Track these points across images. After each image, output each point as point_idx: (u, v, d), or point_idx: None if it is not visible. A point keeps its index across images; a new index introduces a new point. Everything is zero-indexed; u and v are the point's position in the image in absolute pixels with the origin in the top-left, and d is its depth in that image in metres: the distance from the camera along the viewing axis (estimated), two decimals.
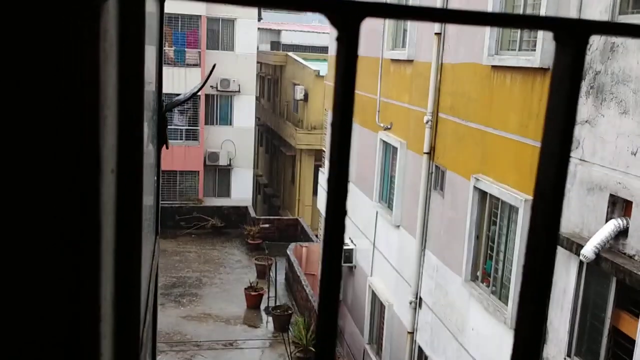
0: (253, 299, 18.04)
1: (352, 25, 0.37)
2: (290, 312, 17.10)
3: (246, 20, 26.84)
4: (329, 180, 0.41)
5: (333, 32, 0.38)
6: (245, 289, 18.25)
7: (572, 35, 0.45)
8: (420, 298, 11.15)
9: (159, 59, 1.83)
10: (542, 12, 7.48)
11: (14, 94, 0.49)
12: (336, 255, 0.41)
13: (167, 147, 1.82)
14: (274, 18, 46.05)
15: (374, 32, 13.63)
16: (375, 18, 0.39)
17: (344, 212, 0.42)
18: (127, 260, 0.80)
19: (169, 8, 24.43)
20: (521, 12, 8.25)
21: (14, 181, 0.51)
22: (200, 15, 25.81)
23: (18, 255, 0.53)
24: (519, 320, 0.49)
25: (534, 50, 7.75)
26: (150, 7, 1.44)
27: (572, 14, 6.92)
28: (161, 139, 1.75)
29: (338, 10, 0.37)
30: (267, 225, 23.46)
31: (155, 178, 1.78)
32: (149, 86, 1.53)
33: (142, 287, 1.14)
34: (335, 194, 0.40)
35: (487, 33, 8.75)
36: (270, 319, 17.23)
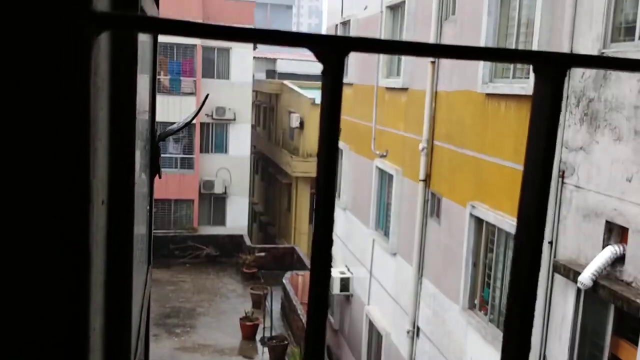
0: (248, 330, 17.84)
1: (336, 59, 0.37)
2: (286, 342, 16.90)
3: (242, 49, 27.08)
4: (316, 212, 0.40)
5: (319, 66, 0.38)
6: (241, 319, 18.06)
7: (551, 68, 0.46)
8: (418, 327, 11.05)
9: (152, 88, 1.83)
10: (535, 40, 7.56)
11: (6, 126, 0.49)
12: (323, 283, 0.40)
13: (159, 177, 1.80)
14: (270, 47, 46.53)
15: (369, 61, 13.76)
16: (359, 52, 0.39)
17: (330, 242, 0.41)
18: (118, 290, 0.78)
19: (164, 37, 24.66)
20: (514, 40, 8.35)
21: (2, 212, 0.51)
22: (195, 45, 26.04)
23: (5, 286, 0.53)
24: (505, 341, 0.48)
25: (528, 77, 7.83)
26: (144, 36, 1.44)
27: (565, 42, 7.00)
28: (154, 169, 1.73)
29: (323, 45, 0.37)
30: (262, 254, 23.33)
31: (148, 207, 1.76)
32: (142, 115, 1.52)
33: (134, 317, 1.11)
34: (321, 230, 0.39)
35: (481, 61, 8.84)
36: (266, 349, 17.01)
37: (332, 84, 0.39)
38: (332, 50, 0.38)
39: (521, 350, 0.47)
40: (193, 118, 2.71)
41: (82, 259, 0.53)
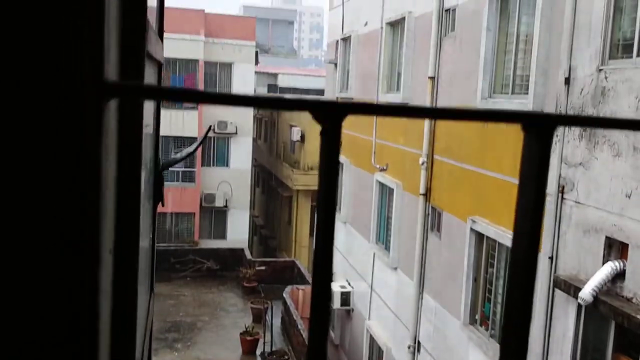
0: (249, 344, 17.76)
1: (334, 122, 0.40)
2: (286, 357, 16.82)
3: (243, 64, 27.23)
4: (314, 266, 0.42)
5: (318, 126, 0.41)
6: (241, 333, 17.99)
7: (539, 128, 0.48)
8: (419, 342, 11.01)
9: (157, 116, 1.86)
10: (534, 56, 7.61)
11: (22, 182, 0.52)
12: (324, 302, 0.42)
13: (162, 205, 1.83)
14: (271, 62, 46.78)
15: (369, 76, 13.84)
16: (356, 115, 0.42)
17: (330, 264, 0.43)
18: (121, 337, 0.80)
19: (167, 52, 24.78)
20: (513, 56, 8.40)
21: (18, 265, 0.53)
22: (197, 60, 26.18)
23: (9, 332, 0.54)
24: (502, 355, 0.50)
25: (527, 93, 7.87)
26: (149, 74, 1.47)
27: (563, 58, 7.05)
28: (157, 197, 1.76)
29: (322, 109, 0.40)
30: (263, 268, 23.29)
31: (151, 236, 1.78)
32: (147, 148, 1.55)
33: (137, 348, 1.13)
34: (318, 295, 0.41)
35: (480, 76, 8.89)
36: None
37: (330, 145, 0.41)
38: (330, 114, 0.41)
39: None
40: (196, 149, 2.74)
41: (91, 312, 0.55)
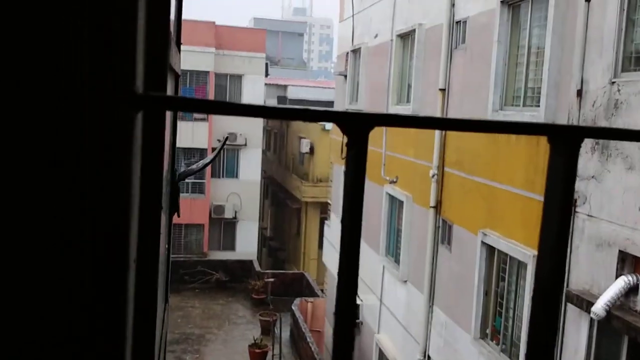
0: (257, 357, 17.68)
1: (360, 134, 0.39)
2: None
3: (253, 75, 27.36)
4: (338, 285, 0.41)
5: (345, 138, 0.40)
6: (249, 346, 17.92)
7: (566, 140, 0.47)
8: (429, 356, 10.91)
9: (174, 129, 1.86)
10: (545, 69, 7.58)
11: (54, 196, 0.53)
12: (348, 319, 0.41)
13: (178, 216, 1.82)
14: (281, 74, 46.99)
15: (379, 87, 13.84)
16: (382, 126, 0.40)
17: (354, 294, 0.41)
18: (141, 341, 0.80)
19: None
20: (524, 68, 8.37)
21: (47, 275, 0.54)
22: (208, 72, 26.34)
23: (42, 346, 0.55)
24: None
25: (538, 106, 7.83)
26: (170, 85, 1.48)
27: (575, 71, 7.01)
28: (173, 208, 1.76)
29: (349, 121, 0.39)
30: (271, 280, 23.24)
31: (167, 246, 1.78)
32: (164, 159, 1.56)
33: None
34: (343, 304, 0.40)
35: (491, 88, 8.87)
36: None
37: (357, 155, 0.41)
38: (357, 126, 0.40)
39: None
40: (213, 159, 2.74)
41: (119, 323, 0.56)
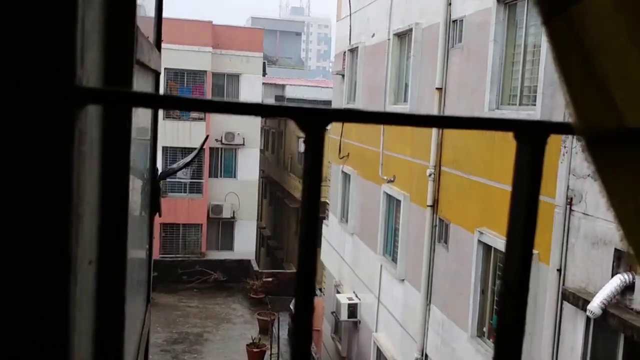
0: (255, 356, 17.70)
1: (317, 129, 0.40)
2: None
3: (251, 75, 27.35)
4: (297, 279, 0.41)
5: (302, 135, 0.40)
6: (247, 345, 17.94)
7: (531, 136, 0.48)
8: (426, 354, 10.93)
9: (154, 125, 1.86)
10: (542, 67, 7.60)
11: None
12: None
13: (159, 215, 1.82)
14: (279, 73, 46.98)
15: (376, 87, 13.85)
16: (338, 122, 0.41)
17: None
18: (107, 352, 0.79)
19: (175, 63, 24.98)
20: (520, 67, 8.38)
21: None
22: (205, 71, 26.32)
23: None
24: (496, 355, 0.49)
25: (534, 105, 7.85)
26: (145, 84, 1.47)
27: None
28: (154, 208, 1.76)
29: (305, 117, 0.39)
30: (270, 279, 23.25)
31: (147, 246, 1.78)
32: (144, 156, 1.55)
33: None
34: (302, 299, 0.40)
35: (488, 87, 8.88)
36: None
37: (314, 150, 0.41)
38: (314, 121, 0.40)
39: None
40: (193, 158, 2.75)
41: (61, 320, 0.54)
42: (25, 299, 0.52)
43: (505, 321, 0.48)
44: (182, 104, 0.40)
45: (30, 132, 0.50)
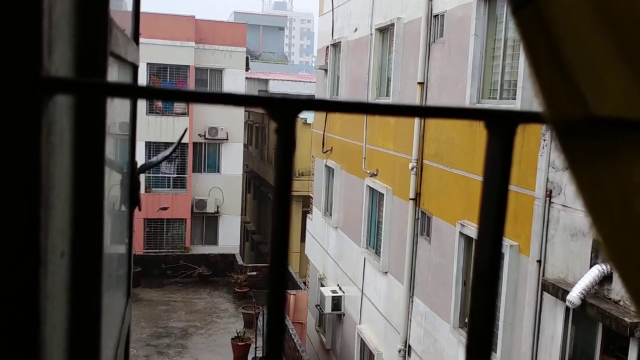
0: (240, 350, 17.71)
1: (287, 118, 0.42)
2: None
3: (234, 69, 27.24)
4: (270, 267, 0.44)
5: (274, 123, 0.43)
6: (232, 339, 17.94)
7: (501, 125, 0.48)
8: (409, 346, 11.03)
9: (133, 118, 1.88)
10: (521, 61, 7.68)
11: None
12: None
13: (139, 209, 1.84)
14: (262, 68, 46.78)
15: (359, 81, 13.89)
16: (308, 111, 0.44)
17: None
18: (83, 347, 0.80)
19: (157, 58, 24.80)
20: (501, 61, 8.47)
21: None
22: (188, 66, 26.17)
23: None
24: (468, 342, 0.51)
25: (515, 98, 7.94)
26: (123, 78, 1.49)
27: None
28: (134, 201, 1.77)
29: (275, 106, 0.41)
30: (254, 273, 23.24)
31: (127, 240, 1.79)
32: (123, 148, 1.56)
33: (108, 355, 1.12)
34: (274, 286, 0.43)
35: (469, 81, 8.96)
36: None
37: (285, 139, 0.43)
38: (284, 110, 0.42)
39: (483, 351, 0.50)
40: (173, 151, 2.75)
41: (31, 315, 0.53)
42: None
43: (476, 306, 0.50)
44: (153, 94, 0.41)
45: None
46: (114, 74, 1.23)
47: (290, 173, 0.43)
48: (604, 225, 0.50)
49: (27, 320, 0.54)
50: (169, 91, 0.41)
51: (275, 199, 0.43)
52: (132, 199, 1.74)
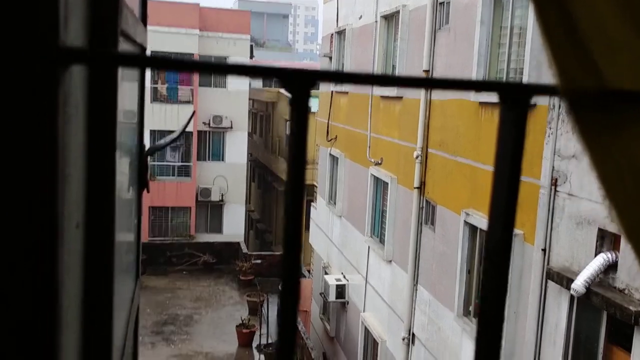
0: (245, 337, 17.81)
1: (302, 89, 0.41)
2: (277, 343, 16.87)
3: (238, 57, 27.16)
4: (284, 234, 0.44)
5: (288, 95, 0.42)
6: (237, 326, 18.04)
7: (515, 98, 0.48)
8: (413, 334, 11.07)
9: (141, 101, 1.87)
10: (527, 48, 7.63)
11: None
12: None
13: (147, 191, 1.84)
14: (266, 56, 46.65)
15: (364, 69, 13.83)
16: (324, 82, 0.43)
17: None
18: (96, 316, 0.81)
19: (162, 46, 24.73)
20: (507, 49, 8.41)
21: None
22: (192, 54, 26.11)
23: None
24: (479, 329, 0.50)
25: None
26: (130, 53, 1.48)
27: None
28: (142, 183, 1.77)
29: (290, 77, 0.41)
30: (259, 261, 23.32)
31: (136, 221, 1.80)
32: (131, 131, 1.56)
33: (118, 336, 1.13)
34: (288, 260, 0.43)
35: (474, 69, 8.91)
36: (263, 357, 16.99)
37: (299, 112, 0.42)
38: (299, 82, 0.41)
39: (494, 338, 0.50)
40: (180, 134, 2.76)
41: (50, 283, 0.54)
42: (14, 258, 0.52)
43: (487, 287, 0.49)
44: (165, 64, 0.41)
45: (15, 92, 0.50)
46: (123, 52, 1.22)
47: (304, 145, 0.42)
48: (616, 196, 0.49)
49: (46, 290, 0.54)
50: (187, 62, 0.41)
51: (289, 171, 0.42)
52: (141, 181, 1.74)
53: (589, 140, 0.50)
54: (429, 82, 0.49)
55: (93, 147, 0.75)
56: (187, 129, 25.61)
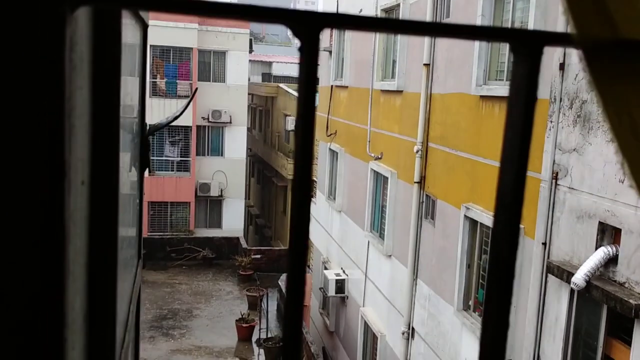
0: (244, 331, 17.83)
1: (311, 33, 0.39)
2: (282, 343, 16.90)
3: (237, 52, 27.11)
4: (293, 189, 0.42)
5: (297, 42, 0.40)
6: (237, 320, 18.05)
7: (527, 46, 0.46)
8: (413, 328, 11.07)
9: (142, 82, 1.85)
10: (531, 18, 7.60)
11: None
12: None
13: (150, 172, 1.83)
14: (265, 50, 46.59)
15: (364, 63, 13.80)
16: (334, 28, 0.40)
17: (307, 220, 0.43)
18: (100, 279, 0.79)
19: (161, 40, 24.69)
20: (510, 18, 8.36)
21: None
22: (191, 48, 26.05)
23: None
24: (484, 321, 0.49)
25: None
26: (133, 36, 1.46)
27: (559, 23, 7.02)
28: (144, 162, 1.76)
29: (299, 20, 0.39)
30: (258, 256, 23.33)
31: (138, 201, 1.79)
32: (132, 110, 1.54)
33: (121, 307, 1.12)
34: (299, 202, 0.41)
35: (475, 64, 8.88)
36: (262, 351, 17.01)
37: (308, 58, 0.40)
38: (308, 25, 0.40)
39: (500, 329, 0.48)
40: (182, 112, 2.74)
41: (57, 236, 0.53)
42: (21, 206, 0.52)
43: (491, 288, 0.48)
44: (169, 5, 0.40)
45: (21, 34, 0.49)
46: (128, 32, 1.21)
47: (313, 96, 0.40)
48: (629, 149, 0.48)
49: (54, 238, 0.54)
50: (192, 2, 0.39)
51: (298, 121, 0.40)
52: (143, 160, 1.73)
53: (602, 90, 0.49)
54: (440, 28, 0.47)
55: (98, 100, 0.74)
56: (186, 124, 25.60)
